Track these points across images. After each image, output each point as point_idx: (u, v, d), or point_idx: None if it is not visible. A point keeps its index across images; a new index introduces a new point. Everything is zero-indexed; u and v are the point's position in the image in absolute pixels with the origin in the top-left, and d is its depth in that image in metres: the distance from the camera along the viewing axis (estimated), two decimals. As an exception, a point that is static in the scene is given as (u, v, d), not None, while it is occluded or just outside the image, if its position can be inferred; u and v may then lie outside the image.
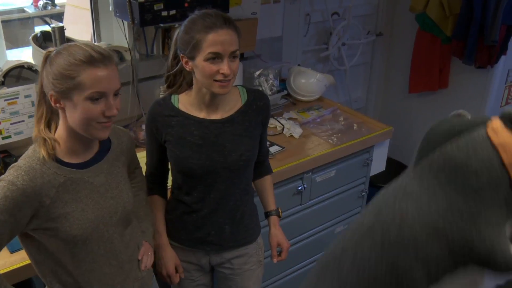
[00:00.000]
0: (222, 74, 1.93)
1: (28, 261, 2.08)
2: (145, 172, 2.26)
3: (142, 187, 2.18)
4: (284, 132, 3.19)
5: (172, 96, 2.12)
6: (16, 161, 2.57)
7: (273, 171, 2.49)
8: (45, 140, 1.68)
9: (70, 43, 1.69)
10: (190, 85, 2.12)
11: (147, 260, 2.06)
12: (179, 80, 2.13)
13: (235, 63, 1.96)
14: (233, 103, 2.14)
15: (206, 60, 1.92)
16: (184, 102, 2.11)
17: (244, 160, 2.12)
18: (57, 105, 1.65)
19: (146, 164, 2.25)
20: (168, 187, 2.32)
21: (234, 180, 2.15)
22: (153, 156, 2.21)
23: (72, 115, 1.65)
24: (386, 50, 4.82)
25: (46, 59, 1.68)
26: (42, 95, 1.72)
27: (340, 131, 3.24)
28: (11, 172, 1.64)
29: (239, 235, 2.26)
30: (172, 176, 2.24)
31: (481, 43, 3.93)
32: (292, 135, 3.17)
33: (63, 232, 1.71)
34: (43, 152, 1.66)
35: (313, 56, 4.28)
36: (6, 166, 2.59)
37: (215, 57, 1.91)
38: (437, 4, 4.00)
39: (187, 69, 2.01)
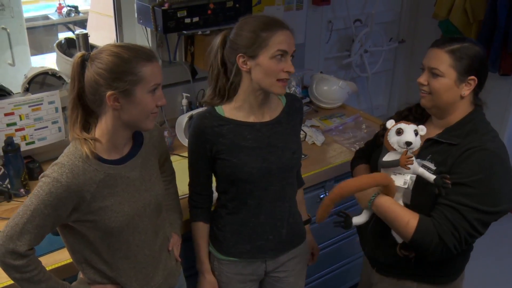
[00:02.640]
0: (287, 72, 1.96)
1: (51, 267, 2.10)
2: (190, 195, 2.23)
3: (172, 180, 2.24)
4: (306, 139, 3.17)
5: (216, 107, 2.09)
6: (39, 167, 2.62)
7: (295, 178, 2.48)
8: (85, 140, 1.75)
9: (104, 46, 1.75)
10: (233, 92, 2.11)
11: (176, 252, 2.15)
12: (230, 88, 2.09)
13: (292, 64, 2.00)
14: (275, 105, 2.15)
15: (273, 57, 1.93)
16: (230, 110, 2.08)
17: (296, 158, 2.17)
18: (116, 103, 1.71)
19: (191, 185, 2.21)
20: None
21: (287, 180, 2.17)
22: (200, 174, 2.17)
23: (131, 110, 1.73)
24: (409, 57, 4.78)
25: (83, 62, 1.73)
26: (78, 98, 1.77)
27: (362, 138, 3.22)
28: (55, 169, 1.71)
29: (294, 236, 2.28)
30: (220, 191, 2.21)
31: (505, 50, 3.89)
32: (314, 143, 3.15)
33: (102, 224, 1.79)
34: (86, 151, 1.73)
35: (335, 63, 4.27)
36: (29, 171, 2.61)
37: (281, 55, 1.94)
38: (460, 11, 3.96)
39: (244, 69, 1.98)
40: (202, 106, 3.19)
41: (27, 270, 1.74)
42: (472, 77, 1.94)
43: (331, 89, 3.66)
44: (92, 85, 1.70)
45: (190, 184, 2.21)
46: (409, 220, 1.91)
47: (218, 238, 2.23)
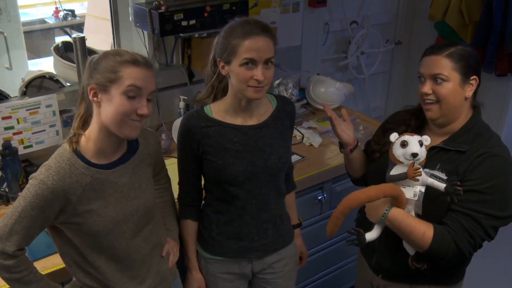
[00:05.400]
0: (256, 80, 1.94)
1: (49, 270, 2.11)
2: (179, 193, 2.24)
3: (168, 188, 2.24)
4: (303, 141, 3.18)
5: (204, 107, 2.11)
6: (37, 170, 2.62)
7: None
8: (71, 138, 1.78)
9: (118, 49, 1.76)
10: (224, 93, 2.12)
11: (173, 258, 2.15)
12: (220, 88, 2.12)
13: (269, 70, 1.97)
14: (265, 108, 2.15)
15: (241, 65, 1.93)
16: (217, 111, 2.10)
17: (282, 163, 2.16)
18: (95, 98, 1.73)
19: (180, 183, 2.22)
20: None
21: (273, 184, 2.17)
22: (189, 173, 2.18)
23: (107, 109, 1.73)
24: (405, 58, 4.80)
25: (91, 61, 1.76)
26: (85, 93, 1.79)
27: (360, 140, 3.16)
28: (42, 171, 1.73)
29: (280, 237, 2.28)
30: (206, 190, 2.23)
31: (501, 51, 3.90)
32: (311, 144, 3.16)
33: (86, 227, 1.79)
34: (66, 144, 1.77)
35: (332, 65, 4.27)
36: (27, 175, 2.61)
37: (250, 63, 1.93)
38: (456, 12, 3.97)
39: (223, 73, 2.01)
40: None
41: (16, 271, 1.76)
42: (474, 76, 1.94)
43: (328, 91, 3.66)
44: (84, 82, 1.75)
45: (179, 183, 2.22)
46: (425, 231, 1.89)
47: (204, 237, 2.24)
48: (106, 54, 1.74)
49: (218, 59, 1.99)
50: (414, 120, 2.13)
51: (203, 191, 2.25)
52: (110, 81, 1.69)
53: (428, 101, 1.98)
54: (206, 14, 2.83)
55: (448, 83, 1.92)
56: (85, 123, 1.81)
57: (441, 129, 2.04)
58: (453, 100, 1.94)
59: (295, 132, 3.22)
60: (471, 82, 1.95)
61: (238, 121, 2.09)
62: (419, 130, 2.12)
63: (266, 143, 2.11)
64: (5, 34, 2.81)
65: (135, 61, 1.72)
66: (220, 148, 2.06)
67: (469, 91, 1.95)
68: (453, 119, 1.99)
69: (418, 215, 1.96)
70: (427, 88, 1.96)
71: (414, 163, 1.88)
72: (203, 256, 2.25)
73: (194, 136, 2.07)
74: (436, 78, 1.94)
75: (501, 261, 3.91)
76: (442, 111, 1.97)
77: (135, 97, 1.72)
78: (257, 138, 2.10)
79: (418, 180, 1.87)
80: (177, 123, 3.03)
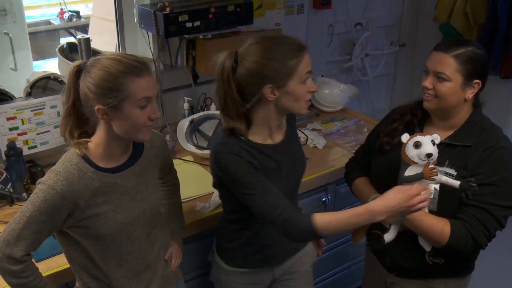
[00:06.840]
0: (312, 91, 1.93)
1: (54, 270, 2.11)
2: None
3: (176, 190, 2.24)
4: (308, 143, 3.18)
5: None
6: (41, 171, 2.62)
7: (298, 182, 2.48)
8: (78, 143, 1.76)
9: (98, 56, 1.72)
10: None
11: (175, 261, 2.15)
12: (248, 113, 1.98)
13: None
14: (283, 122, 2.10)
15: (303, 81, 1.88)
16: (250, 134, 1.98)
17: (306, 166, 2.19)
18: (105, 116, 1.70)
19: (275, 205, 1.91)
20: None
21: (297, 189, 2.19)
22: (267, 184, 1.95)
23: (121, 124, 1.72)
24: (410, 60, 4.79)
25: (78, 73, 1.71)
26: (72, 107, 1.75)
27: (364, 142, 3.21)
28: (51, 177, 1.72)
29: None
30: (230, 209, 2.14)
31: (506, 53, 3.89)
32: (316, 146, 3.16)
33: (94, 231, 1.79)
34: (77, 151, 1.75)
35: (336, 66, 4.27)
36: (32, 176, 2.62)
37: (308, 77, 1.90)
38: (461, 14, 3.96)
39: (270, 99, 1.88)
40: (203, 110, 3.21)
41: (23, 276, 1.76)
42: (477, 80, 1.97)
43: (333, 93, 3.66)
44: (83, 97, 1.70)
45: (274, 205, 1.91)
46: (443, 227, 1.95)
47: (227, 250, 2.21)
48: (92, 67, 1.66)
49: (268, 85, 1.86)
50: (420, 110, 2.15)
51: (216, 197, 2.22)
52: (121, 100, 1.66)
53: (427, 95, 2.02)
54: (210, 16, 2.83)
55: (449, 83, 1.96)
56: (80, 128, 1.78)
57: (443, 123, 2.08)
58: (451, 100, 1.98)
59: (300, 134, 3.22)
60: (473, 85, 1.98)
61: (269, 141, 2.01)
62: (423, 119, 2.15)
63: (294, 154, 2.11)
64: (10, 35, 2.82)
65: (136, 70, 1.67)
66: (262, 171, 1.95)
67: (469, 94, 1.99)
68: (451, 115, 2.04)
69: (431, 211, 2.00)
70: (428, 82, 2.00)
71: (429, 163, 1.89)
72: (225, 269, 2.22)
73: (245, 158, 1.91)
74: (438, 76, 1.97)
75: (507, 258, 3.91)
76: (438, 106, 2.01)
77: (147, 104, 1.71)
78: (286, 153, 2.06)
79: (434, 179, 1.89)
80: (182, 123, 3.03)
